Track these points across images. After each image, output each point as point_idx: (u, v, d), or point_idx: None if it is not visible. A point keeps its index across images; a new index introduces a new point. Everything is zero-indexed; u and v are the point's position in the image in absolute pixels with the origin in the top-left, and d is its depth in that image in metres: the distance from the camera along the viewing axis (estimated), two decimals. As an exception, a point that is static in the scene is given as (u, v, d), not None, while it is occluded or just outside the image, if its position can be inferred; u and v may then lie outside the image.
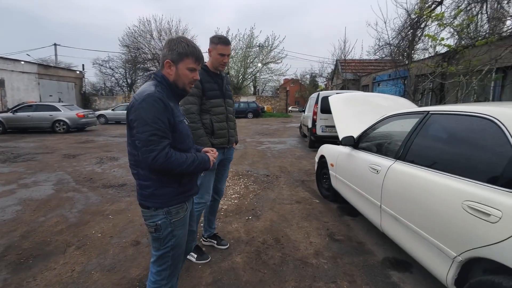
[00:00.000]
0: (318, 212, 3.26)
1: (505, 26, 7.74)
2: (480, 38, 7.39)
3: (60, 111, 11.60)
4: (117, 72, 30.20)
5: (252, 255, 2.36)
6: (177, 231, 1.36)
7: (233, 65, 27.03)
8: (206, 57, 2.10)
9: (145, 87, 1.25)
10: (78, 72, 22.99)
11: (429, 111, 2.00)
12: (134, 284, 1.99)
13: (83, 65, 30.14)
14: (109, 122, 16.83)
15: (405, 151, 2.03)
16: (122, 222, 3.02)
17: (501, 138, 1.33)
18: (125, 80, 30.75)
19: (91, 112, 13.06)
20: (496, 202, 1.23)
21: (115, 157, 6.67)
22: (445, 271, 1.47)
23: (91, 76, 40.89)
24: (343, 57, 18.83)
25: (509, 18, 7.28)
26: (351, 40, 55.43)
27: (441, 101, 8.73)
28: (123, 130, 12.84)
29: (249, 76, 29.73)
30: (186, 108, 1.99)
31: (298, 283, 1.98)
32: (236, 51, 27.33)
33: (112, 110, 17.02)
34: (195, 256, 2.27)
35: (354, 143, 2.85)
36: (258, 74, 29.64)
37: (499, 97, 7.41)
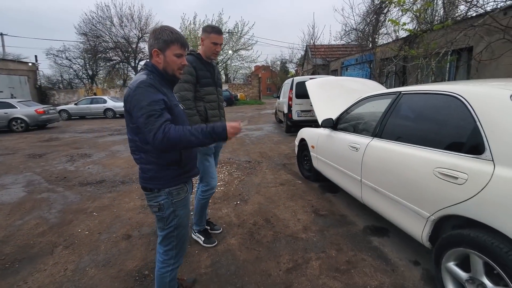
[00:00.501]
0: (302, 192, 3.46)
1: (459, 10, 8.40)
2: (437, 22, 7.96)
3: (16, 108, 10.58)
4: (75, 63, 27.78)
5: (245, 236, 2.47)
6: (179, 211, 1.43)
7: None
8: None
9: (137, 77, 1.31)
10: (30, 64, 20.84)
11: (401, 92, 2.20)
12: (133, 275, 2.02)
13: (35, 56, 27.37)
14: (72, 117, 15.71)
15: (381, 129, 2.23)
16: (108, 218, 2.96)
17: (465, 112, 1.54)
18: (85, 72, 28.47)
19: (51, 108, 12.04)
20: (463, 167, 1.43)
21: (87, 153, 6.34)
22: (420, 230, 1.69)
23: (46, 68, 37.09)
24: (312, 43, 19.14)
25: (463, 2, 7.89)
26: (319, 26, 56.31)
27: (403, 83, 9.34)
28: (89, 126, 12.11)
29: (220, 64, 29.15)
30: (181, 95, 2.00)
31: (292, 256, 2.14)
32: (205, 37, 26.42)
33: (75, 104, 15.85)
34: (203, 239, 2.35)
35: (333, 124, 3.02)
36: (229, 62, 29.13)
37: (454, 77, 8.11)
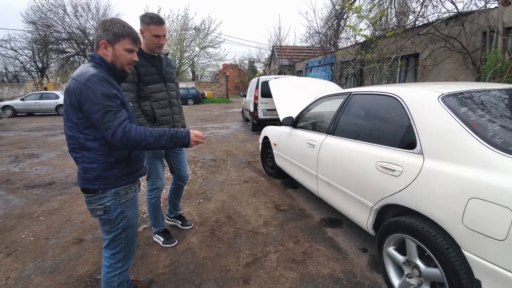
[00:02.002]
0: (265, 189, 3.54)
1: (408, 20, 9.19)
2: (389, 30, 8.64)
3: None
4: (21, 54, 24.99)
5: (206, 233, 2.48)
6: (127, 212, 1.38)
7: (167, 48, 25.32)
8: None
9: (85, 68, 1.23)
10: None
11: (351, 92, 2.37)
12: (84, 280, 1.92)
13: (-28, 45, 24.08)
14: (18, 114, 14.18)
15: (334, 126, 2.38)
16: (57, 222, 2.75)
17: (402, 111, 1.71)
18: (33, 64, 25.76)
19: (-8, 103, 10.76)
20: (399, 160, 1.60)
21: (35, 153, 5.79)
22: (365, 219, 1.85)
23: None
24: (278, 44, 19.53)
25: (411, 13, 8.66)
26: (285, 28, 57.45)
27: (361, 84, 9.98)
28: (38, 123, 11.04)
29: (187, 61, 28.39)
30: None
31: (252, 251, 2.19)
32: (171, 33, 25.61)
33: (22, 100, 14.32)
34: (162, 239, 2.28)
35: (293, 122, 3.14)
36: (196, 59, 28.52)
37: (403, 80, 8.88)
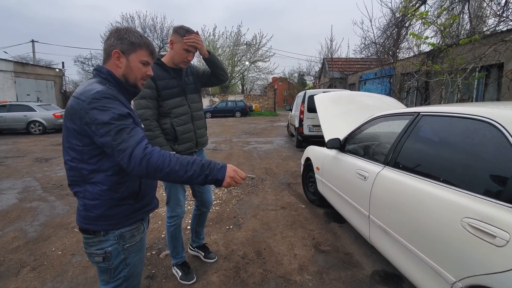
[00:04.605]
0: (304, 219, 3.07)
1: (487, 25, 7.84)
2: (463, 37, 7.44)
3: (36, 111, 10.96)
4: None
5: (230, 272, 2.13)
6: (131, 258, 1.13)
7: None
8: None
9: (89, 85, 1.02)
10: (57, 70, 21.97)
11: (419, 112, 1.83)
12: (93, 313, 1.73)
13: (62, 62, 28.81)
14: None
15: (394, 156, 1.85)
16: (89, 236, 2.72)
17: (504, 145, 1.16)
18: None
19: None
20: (502, 222, 1.05)
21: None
22: (442, 297, 1.29)
23: (73, 74, 39.31)
24: (330, 56, 18.82)
25: (493, 16, 7.35)
26: (337, 39, 55.90)
27: (426, 99, 8.76)
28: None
29: (237, 75, 29.37)
30: (138, 115, 1.68)
31: (279, 306, 1.77)
32: (224, 49, 26.93)
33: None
34: (180, 274, 2.03)
35: (341, 145, 2.66)
36: (246, 73, 29.31)
37: (482, 96, 7.48)
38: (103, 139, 0.94)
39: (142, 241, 1.18)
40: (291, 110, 9.54)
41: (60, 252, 2.44)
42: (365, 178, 2.03)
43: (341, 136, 2.78)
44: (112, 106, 0.97)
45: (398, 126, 2.05)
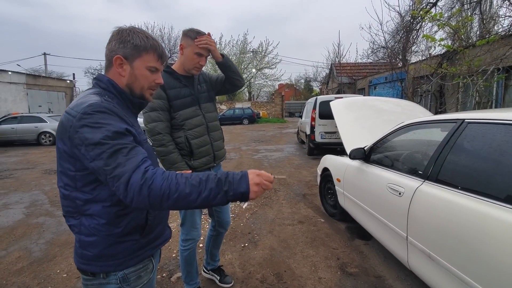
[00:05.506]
0: (325, 235, 2.84)
1: (502, 25, 7.55)
2: (477, 38, 7.16)
3: (46, 122, 11.06)
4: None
5: (249, 300, 1.92)
6: None
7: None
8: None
9: (84, 97, 0.85)
10: (68, 81, 22.42)
11: (464, 119, 1.61)
12: None
13: (73, 74, 29.64)
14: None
15: (435, 169, 1.63)
16: (95, 255, 2.55)
17: None
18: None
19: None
20: None
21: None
22: None
23: (84, 85, 40.10)
24: (337, 61, 18.65)
25: (508, 16, 7.06)
26: (345, 44, 55.90)
27: (442, 103, 8.45)
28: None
29: (244, 82, 29.45)
30: (149, 129, 1.53)
31: None
32: (230, 57, 27.04)
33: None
34: None
35: (365, 155, 2.45)
36: (252, 80, 29.34)
37: (503, 98, 7.15)
38: (94, 164, 0.76)
39: (150, 282, 0.99)
40: (301, 117, 9.34)
41: (65, 275, 2.27)
42: (400, 193, 1.81)
43: (361, 144, 2.57)
44: (107, 122, 0.78)
45: (434, 135, 1.83)
